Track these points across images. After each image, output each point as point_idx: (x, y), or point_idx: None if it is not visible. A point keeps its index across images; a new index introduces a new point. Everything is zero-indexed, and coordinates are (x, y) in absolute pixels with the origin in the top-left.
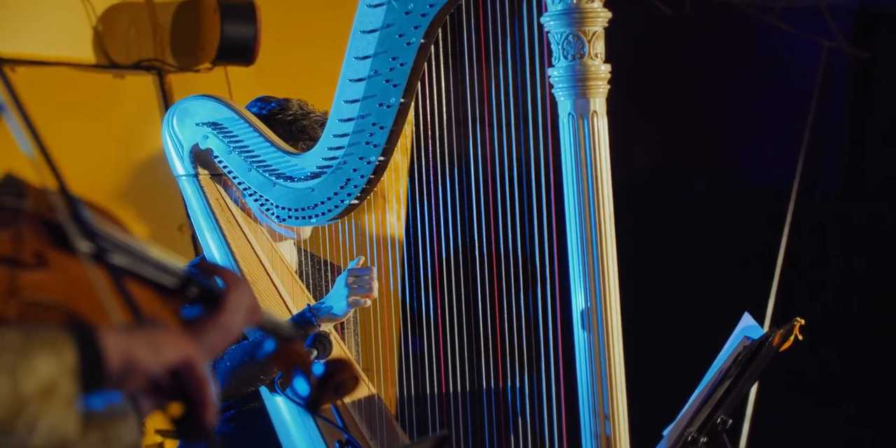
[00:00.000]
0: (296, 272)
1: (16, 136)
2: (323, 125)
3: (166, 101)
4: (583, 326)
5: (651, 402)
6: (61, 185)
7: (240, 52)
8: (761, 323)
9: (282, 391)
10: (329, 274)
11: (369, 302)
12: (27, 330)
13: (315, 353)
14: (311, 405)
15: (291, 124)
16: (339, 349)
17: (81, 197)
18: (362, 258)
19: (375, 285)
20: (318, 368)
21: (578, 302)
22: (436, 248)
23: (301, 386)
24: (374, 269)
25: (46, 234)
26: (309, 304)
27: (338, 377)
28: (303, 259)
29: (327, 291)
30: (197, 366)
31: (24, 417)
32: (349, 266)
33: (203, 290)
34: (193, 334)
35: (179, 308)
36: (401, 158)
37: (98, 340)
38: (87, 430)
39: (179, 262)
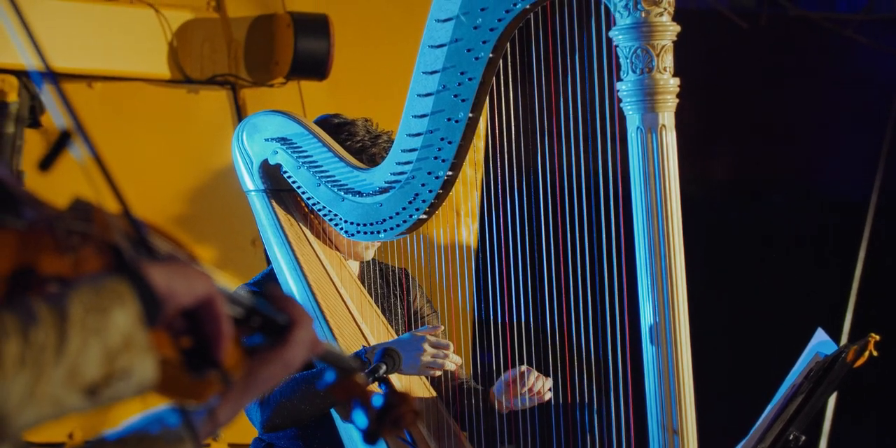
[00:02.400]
0: (358, 278)
1: (78, 159)
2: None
3: (240, 115)
4: (651, 341)
5: (721, 418)
6: (125, 210)
7: (313, 66)
8: (837, 339)
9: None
10: (394, 279)
11: (438, 373)
12: (94, 286)
13: (384, 367)
14: (368, 437)
15: (361, 153)
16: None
17: (148, 222)
18: (441, 327)
19: (449, 364)
20: (378, 401)
21: (647, 317)
22: (506, 261)
23: (360, 418)
24: (451, 346)
25: (111, 260)
26: (364, 346)
27: (397, 411)
28: (366, 267)
29: (391, 298)
30: (219, 301)
31: (116, 373)
32: (423, 329)
33: (266, 321)
34: (253, 366)
35: (241, 337)
36: (472, 172)
37: (148, 279)
38: None
39: (244, 293)
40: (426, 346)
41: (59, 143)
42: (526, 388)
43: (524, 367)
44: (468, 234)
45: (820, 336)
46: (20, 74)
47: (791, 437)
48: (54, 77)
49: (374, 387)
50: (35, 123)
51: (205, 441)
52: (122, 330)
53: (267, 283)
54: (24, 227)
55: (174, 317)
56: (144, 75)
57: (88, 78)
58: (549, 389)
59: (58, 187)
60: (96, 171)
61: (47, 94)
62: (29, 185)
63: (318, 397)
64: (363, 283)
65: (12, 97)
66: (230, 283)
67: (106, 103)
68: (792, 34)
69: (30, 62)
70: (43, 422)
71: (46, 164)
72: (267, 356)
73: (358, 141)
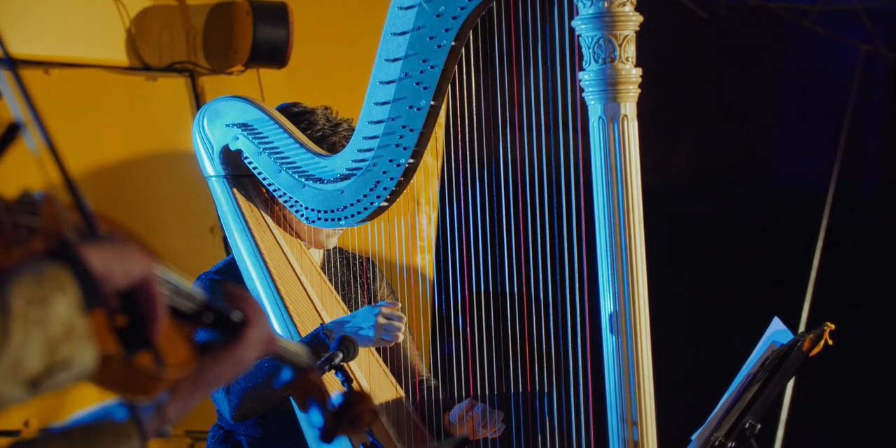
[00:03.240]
0: (321, 267)
1: (29, 147)
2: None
3: (199, 103)
4: (611, 330)
5: (680, 406)
6: (77, 201)
7: (272, 54)
8: (795, 328)
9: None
10: (357, 268)
11: (392, 343)
12: (34, 274)
13: (340, 356)
14: (324, 436)
15: (321, 141)
16: (366, 351)
17: (100, 214)
18: (399, 303)
19: (401, 335)
20: (336, 399)
21: (607, 305)
22: (465, 250)
23: (316, 417)
24: (404, 318)
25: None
26: (322, 323)
27: (355, 410)
28: (330, 255)
29: (355, 286)
30: (154, 282)
31: (58, 363)
32: (380, 304)
33: (219, 318)
34: (204, 363)
35: (192, 333)
36: (432, 161)
37: (86, 260)
38: None
39: (198, 289)
40: (380, 318)
41: (7, 136)
42: (478, 425)
43: (470, 404)
44: (428, 222)
45: (776, 325)
46: None
47: (747, 425)
48: (12, 63)
49: (331, 375)
50: None
51: (153, 437)
52: (63, 319)
53: (228, 271)
54: None
55: (111, 297)
56: (102, 62)
57: (45, 64)
58: (502, 421)
59: (6, 179)
60: (50, 161)
61: (3, 81)
62: None
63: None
64: (326, 271)
65: None
66: (187, 273)
67: (63, 90)
68: (751, 24)
69: None
70: None
71: None
72: (218, 354)
73: (318, 130)
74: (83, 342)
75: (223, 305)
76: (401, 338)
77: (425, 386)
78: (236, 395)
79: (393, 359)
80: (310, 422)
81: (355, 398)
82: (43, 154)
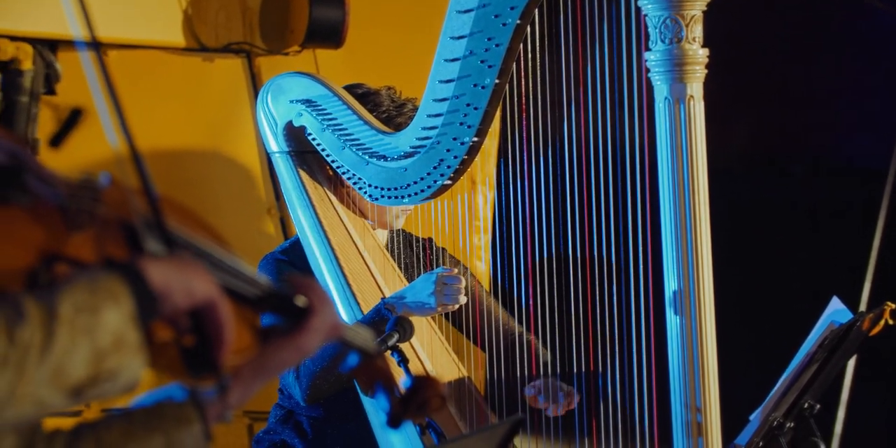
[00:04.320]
0: (386, 247)
1: (105, 130)
2: None
3: (255, 84)
4: (675, 310)
5: (740, 386)
6: (145, 185)
7: (328, 34)
8: (856, 308)
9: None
10: (420, 250)
11: (456, 307)
12: (89, 283)
13: (396, 336)
14: (391, 421)
15: (387, 122)
16: (430, 330)
17: (165, 198)
18: (455, 269)
19: (463, 297)
20: (405, 383)
21: (671, 285)
22: (528, 230)
23: (382, 401)
24: (463, 280)
25: (122, 237)
26: (383, 298)
27: (422, 394)
28: (393, 236)
29: (418, 267)
30: (219, 304)
31: (103, 373)
32: (437, 270)
33: (283, 304)
34: (267, 350)
35: (257, 318)
36: (488, 141)
37: (145, 275)
38: (150, 434)
39: (261, 273)
40: (438, 285)
41: (71, 120)
42: (550, 404)
43: (541, 384)
44: (484, 203)
45: (835, 305)
46: (35, 42)
47: (806, 405)
48: (98, 47)
49: (388, 356)
50: (50, 91)
51: (215, 422)
52: (113, 330)
53: (293, 251)
54: (29, 203)
55: (175, 316)
56: (160, 43)
57: (104, 46)
58: (572, 396)
59: (71, 161)
60: (124, 146)
61: (88, 65)
62: (43, 154)
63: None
64: (389, 251)
65: (27, 65)
66: (244, 255)
67: (121, 72)
68: (814, 3)
69: (77, 32)
70: (24, 420)
71: (57, 140)
72: (281, 341)
73: (383, 111)
74: (132, 355)
75: (288, 291)
76: (463, 299)
77: (525, 340)
78: (307, 378)
79: (482, 324)
80: (376, 406)
81: (423, 383)
82: (118, 138)
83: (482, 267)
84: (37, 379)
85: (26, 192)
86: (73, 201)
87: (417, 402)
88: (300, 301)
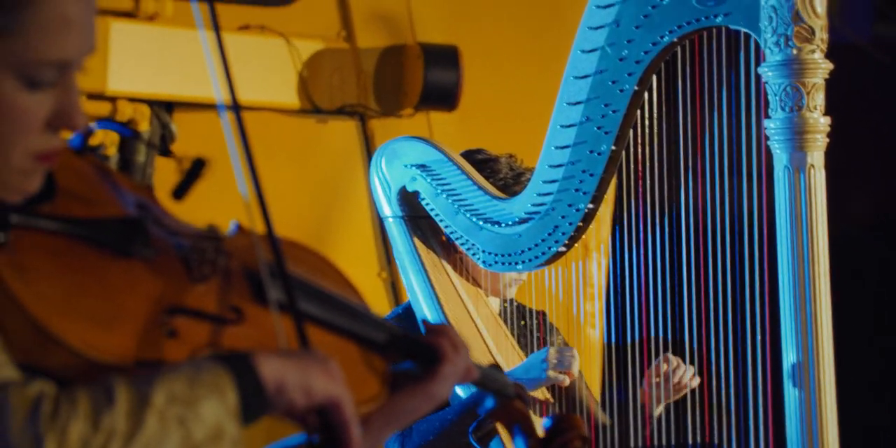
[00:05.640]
0: (498, 315)
1: (237, 179)
2: None
3: (368, 146)
4: (794, 383)
5: None
6: (270, 233)
7: (442, 97)
8: None
9: (477, 443)
10: (532, 320)
11: (568, 381)
12: (192, 374)
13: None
14: None
15: (503, 190)
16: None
17: (292, 242)
18: (573, 350)
19: (576, 365)
20: (545, 424)
21: (789, 357)
22: (642, 298)
23: (521, 444)
24: (575, 350)
25: (247, 286)
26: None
27: (564, 437)
28: (506, 305)
29: (530, 340)
30: (343, 406)
31: None
32: (545, 348)
33: (414, 349)
34: (397, 398)
35: (385, 363)
36: (604, 207)
37: (257, 370)
38: None
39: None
40: (551, 358)
41: (193, 172)
42: (671, 382)
43: (668, 359)
44: (598, 269)
45: None
46: (152, 103)
47: None
48: (238, 109)
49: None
50: (166, 152)
51: None
52: (212, 423)
53: (406, 317)
54: (152, 255)
55: (298, 413)
56: (274, 105)
57: (219, 107)
58: (693, 377)
59: (187, 216)
60: (252, 199)
61: (226, 125)
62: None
63: (458, 435)
64: (502, 321)
65: (143, 126)
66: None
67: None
68: None
69: (218, 95)
70: None
71: (180, 193)
72: (411, 389)
73: (500, 178)
74: None
75: (417, 337)
76: (576, 370)
77: (601, 429)
78: (419, 434)
79: (567, 404)
80: None
81: (565, 423)
82: (250, 195)
83: (595, 334)
84: None
85: (149, 246)
86: (198, 253)
87: (559, 443)
88: (430, 348)
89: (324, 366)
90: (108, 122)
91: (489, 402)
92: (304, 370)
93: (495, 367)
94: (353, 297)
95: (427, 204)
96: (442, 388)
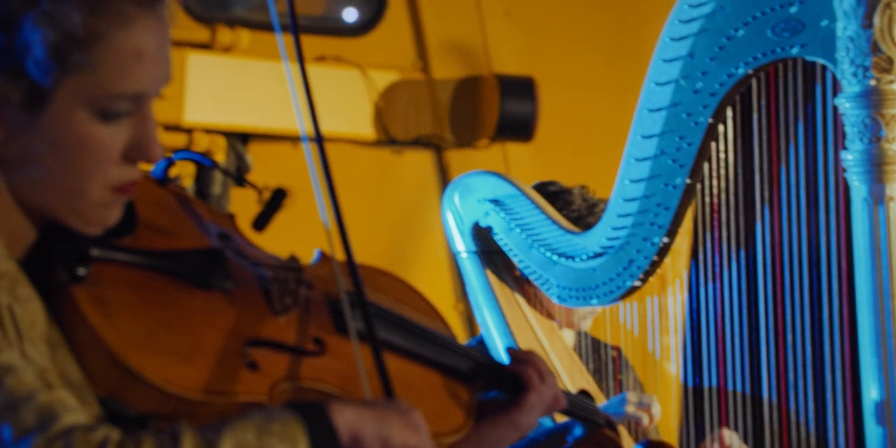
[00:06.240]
0: (573, 349)
1: (319, 209)
2: None
3: (444, 177)
4: (876, 421)
5: None
6: (350, 262)
7: (518, 128)
8: None
9: None
10: (607, 356)
11: (647, 420)
12: (261, 423)
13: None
14: None
15: (577, 222)
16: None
17: (377, 268)
18: (653, 396)
19: (657, 407)
20: None
21: (871, 394)
22: (719, 333)
23: None
24: (655, 396)
25: (329, 316)
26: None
27: None
28: (580, 339)
29: (605, 375)
30: None
31: None
32: (624, 392)
33: (500, 377)
34: (483, 427)
35: (470, 393)
36: (681, 240)
37: (331, 419)
38: None
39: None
40: (630, 404)
41: (274, 203)
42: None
43: (726, 434)
44: (675, 303)
45: None
46: (227, 134)
47: None
48: (320, 142)
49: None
50: (242, 182)
51: None
52: None
53: (480, 351)
54: (232, 287)
55: None
56: (350, 136)
57: (293, 138)
58: None
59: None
60: (333, 229)
61: (309, 156)
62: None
63: None
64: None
65: (219, 157)
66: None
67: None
68: None
69: (301, 126)
70: None
71: (261, 223)
72: (497, 418)
73: (574, 210)
74: None
75: (503, 366)
76: (657, 412)
77: None
78: None
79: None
80: None
81: None
82: (331, 224)
83: (672, 368)
84: None
85: (229, 278)
86: (279, 283)
87: None
88: (516, 376)
89: (404, 417)
90: (187, 152)
91: (578, 430)
92: (383, 421)
93: (584, 393)
94: (438, 325)
95: (500, 239)
96: (528, 417)
